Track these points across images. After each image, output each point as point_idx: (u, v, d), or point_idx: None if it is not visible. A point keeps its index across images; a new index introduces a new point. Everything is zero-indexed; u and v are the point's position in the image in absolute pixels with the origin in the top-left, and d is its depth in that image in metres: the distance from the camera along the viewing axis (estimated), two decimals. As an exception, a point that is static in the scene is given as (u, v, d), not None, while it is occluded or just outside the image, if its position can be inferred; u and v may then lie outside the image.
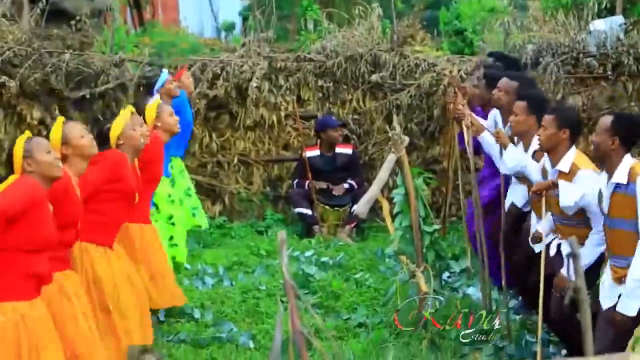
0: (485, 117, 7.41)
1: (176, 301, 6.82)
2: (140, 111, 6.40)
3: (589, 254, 5.51)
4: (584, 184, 5.55)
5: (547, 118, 5.76)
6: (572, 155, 5.74)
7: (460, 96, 7.59)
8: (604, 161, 5.23)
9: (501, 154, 6.63)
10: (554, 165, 5.78)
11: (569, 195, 5.56)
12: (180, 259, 7.94)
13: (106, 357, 5.21)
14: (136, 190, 5.93)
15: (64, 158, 5.13)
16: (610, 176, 5.18)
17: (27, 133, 4.88)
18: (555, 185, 5.64)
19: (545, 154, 5.88)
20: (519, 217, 6.71)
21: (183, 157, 8.54)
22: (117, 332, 5.55)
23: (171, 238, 7.74)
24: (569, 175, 5.68)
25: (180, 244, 7.83)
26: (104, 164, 5.55)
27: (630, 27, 10.04)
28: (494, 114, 7.26)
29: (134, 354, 1.49)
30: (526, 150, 6.42)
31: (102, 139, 5.70)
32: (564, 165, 5.72)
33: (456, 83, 8.55)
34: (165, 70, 8.21)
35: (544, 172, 5.96)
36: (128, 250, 6.10)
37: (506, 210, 6.81)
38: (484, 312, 6.74)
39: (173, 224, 7.82)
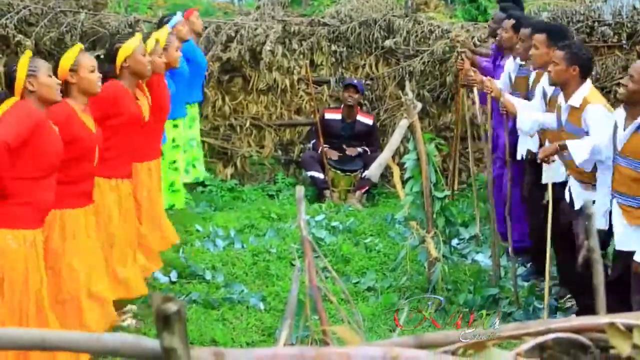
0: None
1: (168, 245, 6.88)
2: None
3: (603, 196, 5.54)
4: (592, 126, 5.57)
5: (558, 54, 5.82)
6: (584, 92, 5.77)
7: (468, 63, 7.59)
8: (634, 106, 5.16)
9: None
10: (566, 101, 5.84)
11: (581, 153, 5.52)
12: (179, 205, 8.02)
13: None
14: (143, 115, 5.95)
15: (66, 89, 5.07)
16: (634, 118, 5.12)
17: (29, 52, 4.83)
18: (562, 148, 5.63)
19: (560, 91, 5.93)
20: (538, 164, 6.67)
21: (201, 102, 8.58)
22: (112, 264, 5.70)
23: (172, 184, 7.81)
24: (579, 110, 5.71)
25: (180, 190, 7.92)
26: (101, 97, 5.41)
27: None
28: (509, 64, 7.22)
29: (157, 302, 1.53)
30: (567, 100, 6.40)
31: (110, 58, 5.73)
32: (575, 100, 5.76)
33: (468, 46, 8.54)
34: (179, 13, 8.23)
35: (552, 103, 5.97)
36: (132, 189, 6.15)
37: (523, 158, 6.86)
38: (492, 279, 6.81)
39: (176, 169, 7.88)
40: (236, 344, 6.02)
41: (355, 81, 9.69)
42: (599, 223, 5.44)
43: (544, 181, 6.09)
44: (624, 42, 9.51)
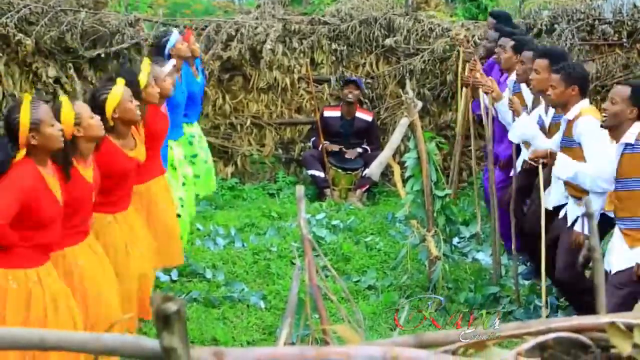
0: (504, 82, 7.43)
1: (174, 261, 6.80)
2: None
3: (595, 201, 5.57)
4: (583, 137, 5.62)
5: (554, 77, 5.85)
6: (582, 106, 5.82)
7: (480, 65, 7.58)
8: (616, 128, 5.23)
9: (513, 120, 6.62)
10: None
11: (563, 170, 5.61)
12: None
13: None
14: (134, 166, 5.84)
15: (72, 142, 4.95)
16: (617, 141, 5.21)
17: (28, 97, 4.63)
18: (553, 156, 5.68)
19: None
20: (533, 174, 6.69)
21: (192, 122, 8.48)
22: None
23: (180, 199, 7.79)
24: (572, 121, 5.77)
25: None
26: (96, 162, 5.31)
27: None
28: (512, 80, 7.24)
29: (157, 302, 1.53)
30: (546, 111, 6.44)
31: (98, 111, 5.39)
32: (571, 114, 5.81)
33: (466, 46, 8.57)
34: (175, 31, 8.05)
35: (552, 130, 6.02)
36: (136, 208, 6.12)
37: (520, 168, 6.90)
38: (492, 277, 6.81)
39: (184, 184, 7.86)
40: (237, 342, 6.03)
41: (355, 77, 9.69)
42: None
43: (545, 206, 6.07)
44: (624, 40, 9.51)
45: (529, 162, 6.08)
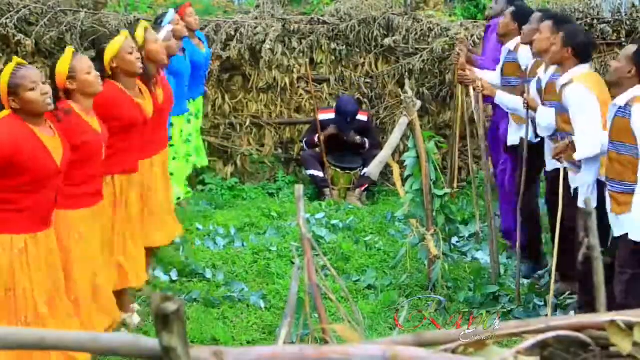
0: (499, 49, 7.47)
1: (169, 238, 6.83)
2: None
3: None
4: (570, 104, 5.68)
5: (556, 35, 5.97)
6: (575, 72, 5.85)
7: (463, 57, 7.61)
8: (617, 86, 5.23)
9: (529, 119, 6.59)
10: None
11: (586, 147, 5.57)
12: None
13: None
14: (145, 115, 5.90)
15: (69, 93, 5.04)
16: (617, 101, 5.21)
17: (15, 60, 4.63)
18: (573, 146, 5.65)
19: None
20: (534, 150, 6.69)
21: (194, 99, 8.50)
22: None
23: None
24: (563, 87, 5.81)
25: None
26: (97, 102, 5.28)
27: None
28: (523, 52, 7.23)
29: (156, 301, 1.53)
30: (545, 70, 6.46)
31: (99, 60, 5.57)
32: (563, 79, 5.87)
33: (465, 45, 8.58)
34: (171, 10, 7.97)
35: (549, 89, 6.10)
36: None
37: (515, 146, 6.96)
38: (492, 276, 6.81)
39: (174, 158, 7.87)
40: (237, 342, 6.03)
41: (353, 106, 9.56)
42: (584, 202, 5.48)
43: (573, 186, 6.04)
44: (623, 39, 9.50)
45: (553, 157, 6.03)
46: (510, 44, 7.20)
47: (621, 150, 5.09)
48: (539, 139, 6.64)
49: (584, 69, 5.89)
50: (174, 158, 7.69)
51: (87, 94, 5.11)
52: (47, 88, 4.59)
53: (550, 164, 6.41)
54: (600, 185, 5.53)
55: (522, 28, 6.99)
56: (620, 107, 5.11)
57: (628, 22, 9.51)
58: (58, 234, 4.85)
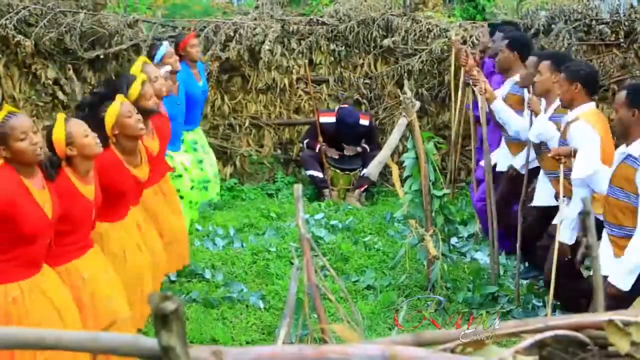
0: (502, 82, 7.45)
1: (180, 265, 6.86)
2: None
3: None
4: (575, 142, 5.66)
5: (559, 76, 5.94)
6: (583, 109, 5.82)
7: (472, 59, 7.60)
8: (626, 135, 5.15)
9: (531, 122, 6.57)
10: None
11: (580, 169, 5.59)
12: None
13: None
14: (136, 185, 5.81)
15: (68, 159, 4.91)
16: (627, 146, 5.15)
17: (7, 108, 4.47)
18: (575, 154, 5.65)
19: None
20: (519, 180, 6.74)
21: (191, 129, 8.46)
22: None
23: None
24: (568, 125, 5.80)
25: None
26: (94, 170, 5.21)
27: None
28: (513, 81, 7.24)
29: (154, 301, 1.53)
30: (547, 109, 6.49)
31: (98, 129, 5.30)
32: (569, 116, 5.86)
33: (457, 47, 8.60)
34: (165, 43, 7.66)
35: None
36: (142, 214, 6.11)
37: (507, 174, 6.97)
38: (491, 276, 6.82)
39: (192, 187, 7.90)
40: (236, 342, 6.03)
41: (350, 120, 9.49)
42: (565, 237, 5.60)
43: (554, 222, 6.08)
44: (621, 40, 9.51)
45: (551, 156, 6.06)
46: (517, 77, 7.04)
47: (620, 196, 5.09)
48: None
49: (590, 106, 5.88)
50: (192, 187, 7.70)
51: (86, 156, 4.97)
52: (38, 138, 4.43)
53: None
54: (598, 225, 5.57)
55: (523, 54, 6.99)
56: (630, 156, 5.08)
57: (626, 23, 9.51)
58: (68, 287, 4.82)
